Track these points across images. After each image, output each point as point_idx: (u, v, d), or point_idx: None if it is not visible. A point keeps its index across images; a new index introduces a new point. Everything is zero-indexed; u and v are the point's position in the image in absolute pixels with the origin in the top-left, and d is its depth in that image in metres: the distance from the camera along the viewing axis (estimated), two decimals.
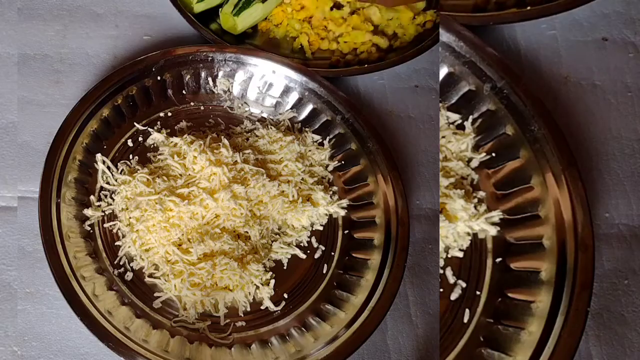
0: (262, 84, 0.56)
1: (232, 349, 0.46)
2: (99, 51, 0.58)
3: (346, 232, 0.52)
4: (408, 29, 0.57)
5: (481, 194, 0.48)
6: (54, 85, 0.56)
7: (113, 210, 0.50)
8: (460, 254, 0.46)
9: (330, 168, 0.55)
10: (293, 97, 0.56)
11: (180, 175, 0.51)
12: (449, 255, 0.46)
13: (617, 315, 0.45)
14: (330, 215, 0.52)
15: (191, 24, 0.56)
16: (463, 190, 0.47)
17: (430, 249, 0.50)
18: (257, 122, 0.56)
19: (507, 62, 0.45)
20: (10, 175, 0.53)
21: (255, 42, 0.60)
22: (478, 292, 0.45)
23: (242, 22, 0.57)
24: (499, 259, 0.46)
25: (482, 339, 0.43)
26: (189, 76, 0.56)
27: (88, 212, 0.49)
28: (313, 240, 0.51)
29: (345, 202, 0.52)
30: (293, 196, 0.51)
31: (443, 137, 0.48)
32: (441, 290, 0.46)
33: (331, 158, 0.55)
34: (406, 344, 0.48)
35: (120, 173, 0.52)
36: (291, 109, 0.56)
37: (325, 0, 0.58)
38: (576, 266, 0.40)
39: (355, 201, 0.52)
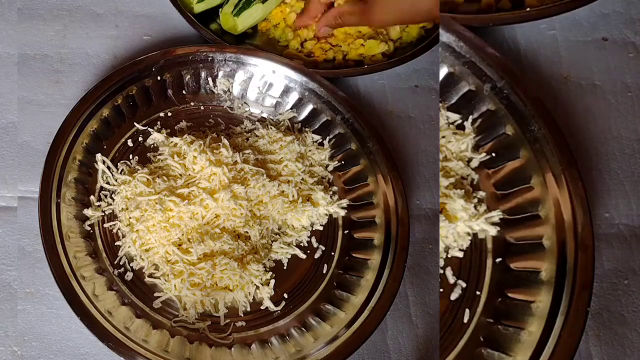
0: (262, 84, 0.56)
1: (232, 349, 0.46)
2: (99, 51, 0.58)
3: (346, 232, 0.52)
4: (411, 32, 0.57)
5: (481, 194, 0.48)
6: (54, 85, 0.56)
7: (113, 210, 0.50)
8: (460, 254, 0.46)
9: (330, 168, 0.55)
10: (293, 97, 0.56)
11: (180, 175, 0.51)
12: (449, 255, 0.46)
13: (617, 315, 0.45)
14: (330, 215, 0.52)
15: (191, 24, 0.56)
16: (463, 190, 0.47)
17: (430, 249, 0.50)
18: (257, 122, 0.56)
19: (507, 62, 0.45)
20: (10, 175, 0.53)
21: (255, 42, 0.60)
22: (478, 292, 0.45)
23: (242, 23, 0.57)
24: (499, 259, 0.46)
25: (482, 339, 0.43)
26: (189, 76, 0.56)
27: (88, 212, 0.49)
28: (313, 240, 0.51)
29: (345, 202, 0.52)
30: (293, 196, 0.51)
31: (443, 137, 0.48)
32: (441, 290, 0.46)
33: (331, 158, 0.55)
34: (406, 344, 0.48)
35: (120, 173, 0.52)
36: (291, 109, 0.56)
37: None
38: (576, 266, 0.40)
39: (355, 201, 0.52)
